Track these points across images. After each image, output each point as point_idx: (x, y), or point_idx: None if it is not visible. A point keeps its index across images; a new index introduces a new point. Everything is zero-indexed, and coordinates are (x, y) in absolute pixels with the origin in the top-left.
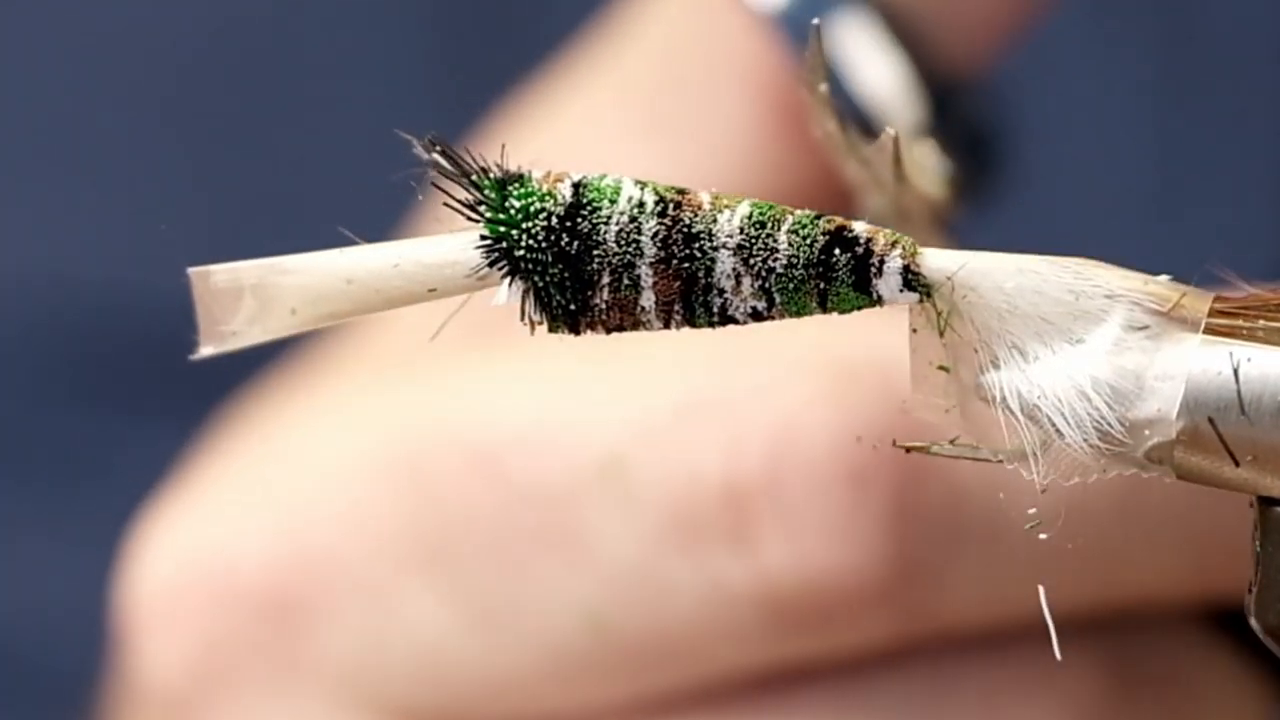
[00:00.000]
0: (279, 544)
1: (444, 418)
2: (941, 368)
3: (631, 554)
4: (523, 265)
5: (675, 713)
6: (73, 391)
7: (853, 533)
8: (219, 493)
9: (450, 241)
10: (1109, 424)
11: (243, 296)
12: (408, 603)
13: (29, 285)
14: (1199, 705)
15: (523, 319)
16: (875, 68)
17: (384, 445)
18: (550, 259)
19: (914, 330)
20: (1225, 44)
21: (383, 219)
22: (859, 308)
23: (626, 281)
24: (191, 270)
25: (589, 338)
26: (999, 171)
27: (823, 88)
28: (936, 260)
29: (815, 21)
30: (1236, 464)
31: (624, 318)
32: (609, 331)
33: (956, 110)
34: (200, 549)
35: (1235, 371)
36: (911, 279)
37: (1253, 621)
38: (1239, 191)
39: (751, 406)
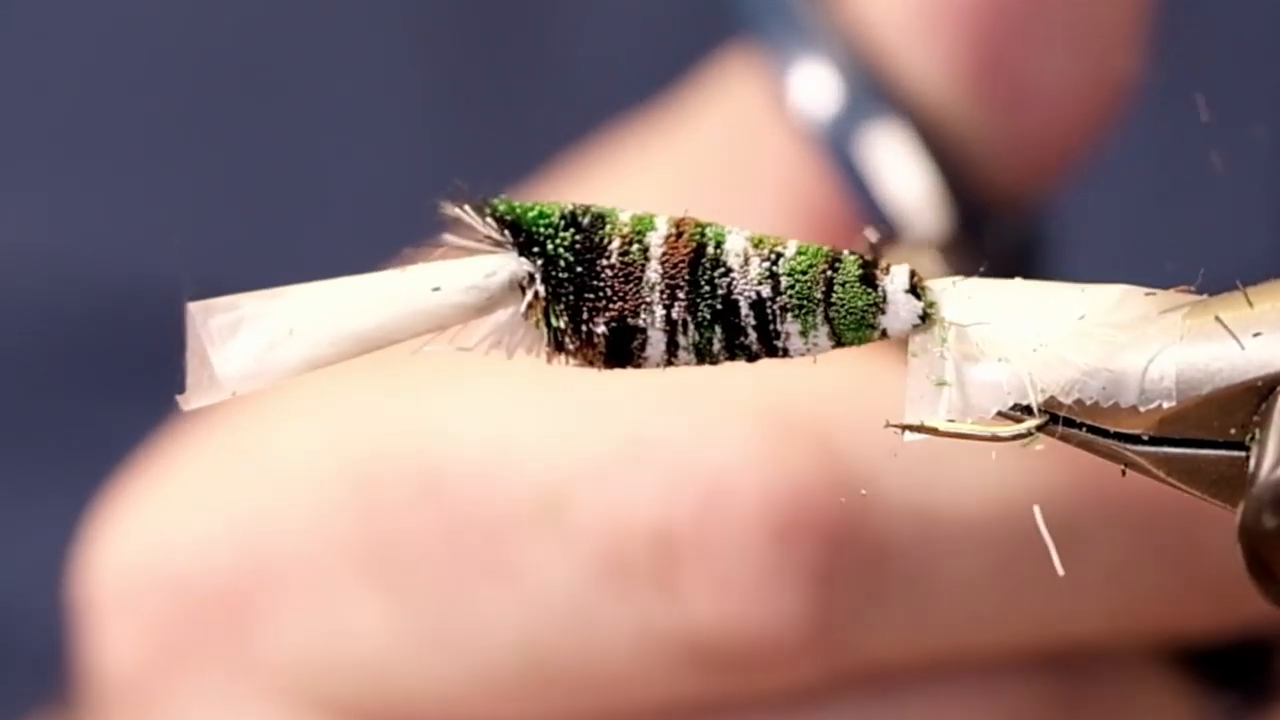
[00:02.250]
0: (231, 543)
1: (397, 433)
2: (942, 383)
3: (565, 589)
4: (551, 268)
5: None
6: (74, 379)
7: (777, 588)
8: (174, 488)
9: (461, 265)
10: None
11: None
12: (353, 609)
13: (25, 273)
14: None
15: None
16: (903, 177)
17: (338, 453)
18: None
19: (913, 355)
20: (1226, 44)
21: (384, 213)
22: (864, 310)
23: (637, 247)
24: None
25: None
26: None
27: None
28: (938, 283)
29: (870, 231)
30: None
31: (626, 290)
32: (606, 321)
33: (991, 231)
34: (154, 545)
35: None
36: (915, 286)
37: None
38: (1239, 192)
39: (688, 453)
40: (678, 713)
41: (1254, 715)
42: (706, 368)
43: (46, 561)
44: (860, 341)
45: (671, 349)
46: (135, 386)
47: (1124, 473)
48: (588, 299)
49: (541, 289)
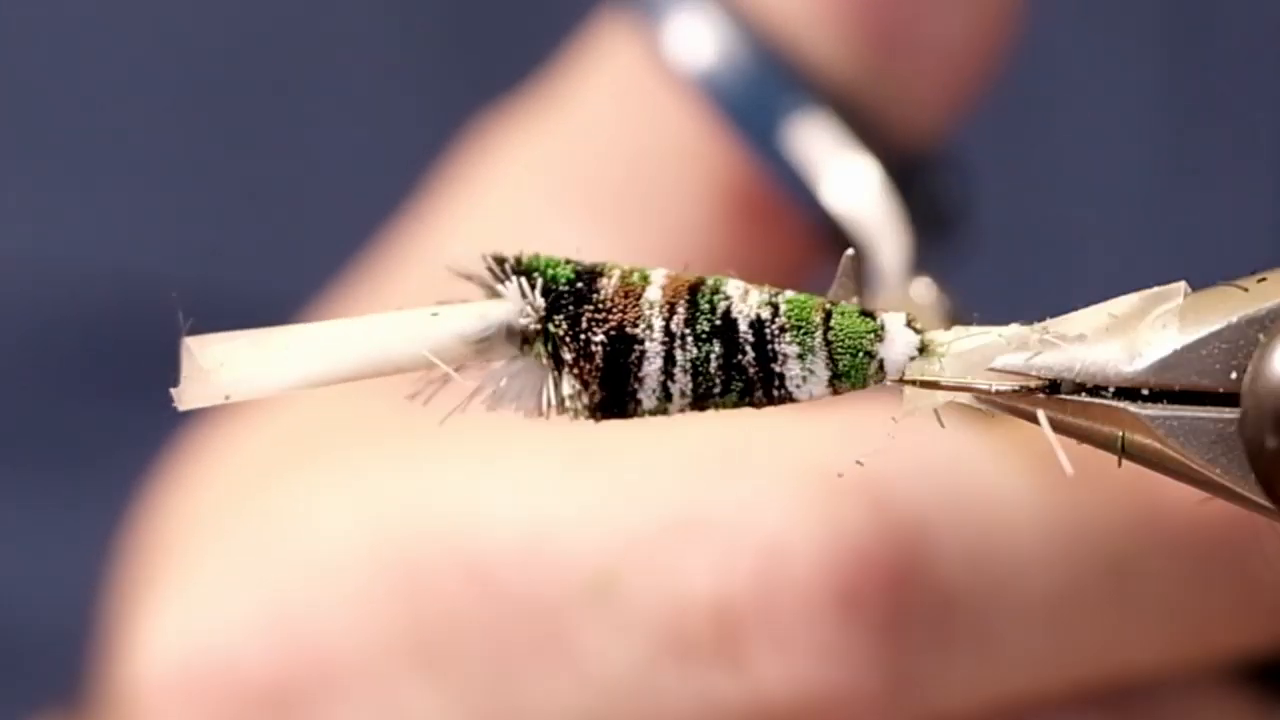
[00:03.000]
0: (282, 638)
1: (434, 517)
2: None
3: (623, 669)
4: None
5: None
6: (66, 377)
7: (843, 651)
8: (212, 576)
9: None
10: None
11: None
12: (407, 701)
13: (23, 271)
14: None
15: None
16: (842, 168)
17: (376, 539)
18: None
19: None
20: (1232, 49)
21: (384, 211)
22: (862, 335)
23: (638, 275)
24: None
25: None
26: (966, 236)
27: (854, 301)
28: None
29: (850, 251)
30: None
31: (626, 303)
32: (605, 330)
33: (922, 186)
34: (205, 639)
35: None
36: (911, 323)
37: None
38: (1245, 195)
39: (738, 520)
40: None
41: None
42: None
43: (47, 566)
44: (858, 372)
45: (669, 366)
46: (139, 390)
47: (1120, 463)
48: (586, 309)
49: (541, 300)
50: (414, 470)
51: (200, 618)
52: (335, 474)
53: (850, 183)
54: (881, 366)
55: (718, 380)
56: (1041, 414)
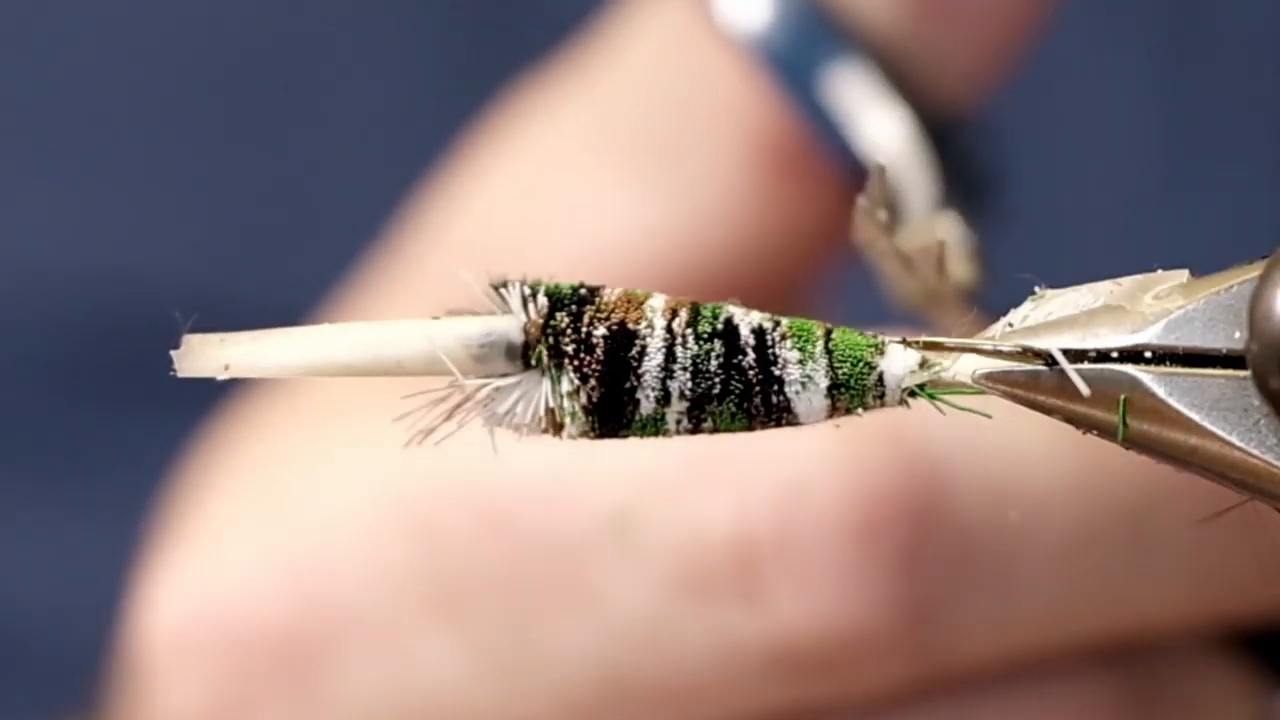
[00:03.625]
0: (293, 590)
1: (454, 466)
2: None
3: (642, 607)
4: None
5: None
6: (76, 382)
7: (863, 586)
8: (224, 531)
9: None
10: None
11: (230, 363)
12: (422, 651)
13: (31, 276)
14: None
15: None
16: (878, 120)
17: (393, 491)
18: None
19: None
20: (1231, 40)
21: (387, 211)
22: (864, 348)
23: (640, 288)
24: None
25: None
26: (999, 203)
27: (882, 214)
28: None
29: (879, 162)
30: None
31: (628, 305)
32: (607, 325)
33: (955, 148)
34: (214, 592)
35: None
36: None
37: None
38: (1244, 186)
39: (758, 457)
40: None
41: None
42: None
43: (53, 571)
44: (857, 381)
45: (669, 363)
46: (144, 393)
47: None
48: (588, 309)
49: (544, 301)
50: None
51: (212, 572)
52: (347, 430)
53: (884, 131)
54: (881, 380)
55: (717, 380)
56: (1057, 352)
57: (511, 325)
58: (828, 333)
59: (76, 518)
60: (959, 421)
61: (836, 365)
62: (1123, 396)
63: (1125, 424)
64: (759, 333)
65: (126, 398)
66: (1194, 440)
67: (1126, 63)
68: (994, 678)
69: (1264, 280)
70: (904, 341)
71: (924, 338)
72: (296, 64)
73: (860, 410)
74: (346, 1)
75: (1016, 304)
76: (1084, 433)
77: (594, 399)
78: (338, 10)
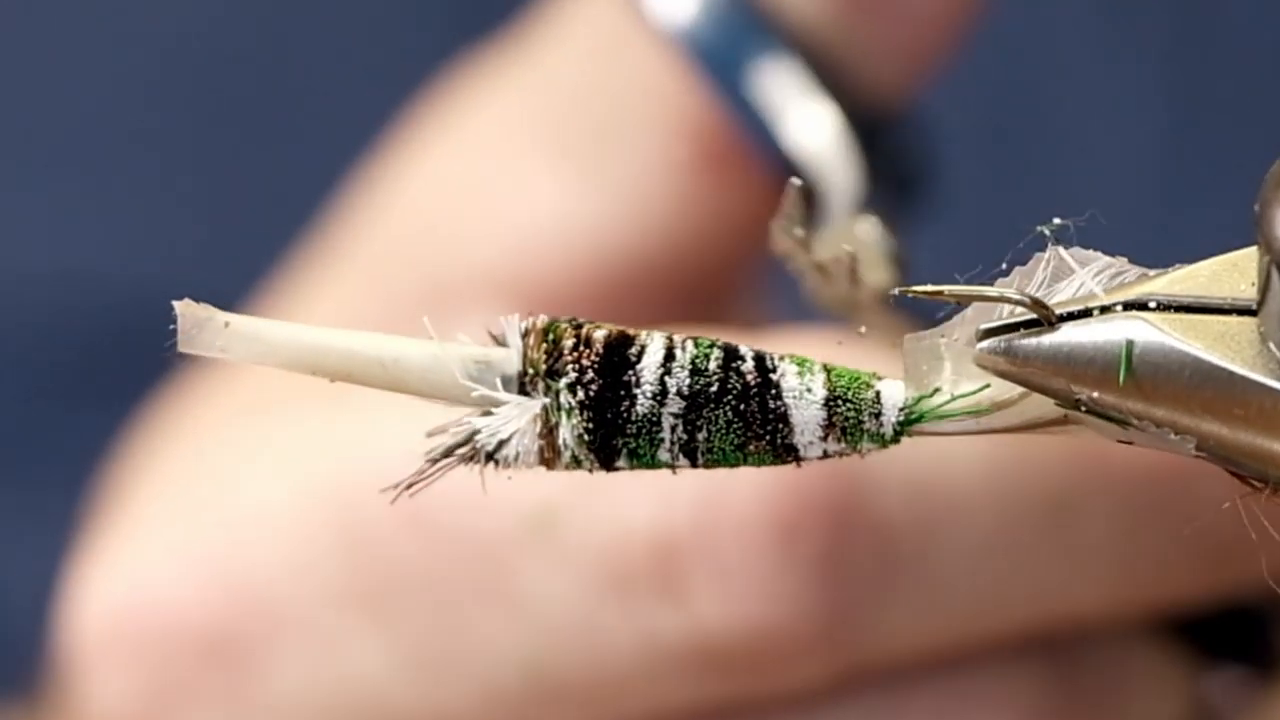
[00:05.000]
0: (219, 585)
1: (378, 463)
2: (937, 357)
3: (564, 604)
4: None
5: None
6: (68, 385)
7: (782, 586)
8: (155, 525)
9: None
10: None
11: (223, 343)
12: (348, 644)
13: (29, 281)
14: (1144, 708)
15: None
16: (805, 116)
17: (318, 486)
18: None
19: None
20: (1236, 43)
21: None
22: (863, 374)
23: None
24: (180, 306)
25: None
26: (924, 199)
27: (797, 230)
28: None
29: (795, 181)
30: None
31: (629, 324)
32: (609, 332)
33: (884, 145)
34: (140, 587)
35: None
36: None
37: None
38: (1249, 189)
39: None
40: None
41: (1253, 687)
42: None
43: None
44: (856, 394)
45: (668, 361)
46: (110, 391)
47: (1122, 378)
48: (588, 323)
49: (544, 318)
50: (351, 418)
51: (140, 567)
52: (275, 426)
53: (810, 127)
54: (878, 398)
55: (715, 380)
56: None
57: (509, 355)
58: (828, 365)
59: (26, 515)
60: None
61: (834, 380)
62: (1126, 340)
63: (1129, 366)
64: (759, 356)
65: (117, 400)
66: (1194, 378)
67: (1131, 66)
68: (922, 670)
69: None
70: (903, 292)
71: (923, 287)
72: (299, 70)
73: (858, 434)
74: (351, 9)
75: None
76: (1083, 400)
77: (590, 394)
78: (342, 17)
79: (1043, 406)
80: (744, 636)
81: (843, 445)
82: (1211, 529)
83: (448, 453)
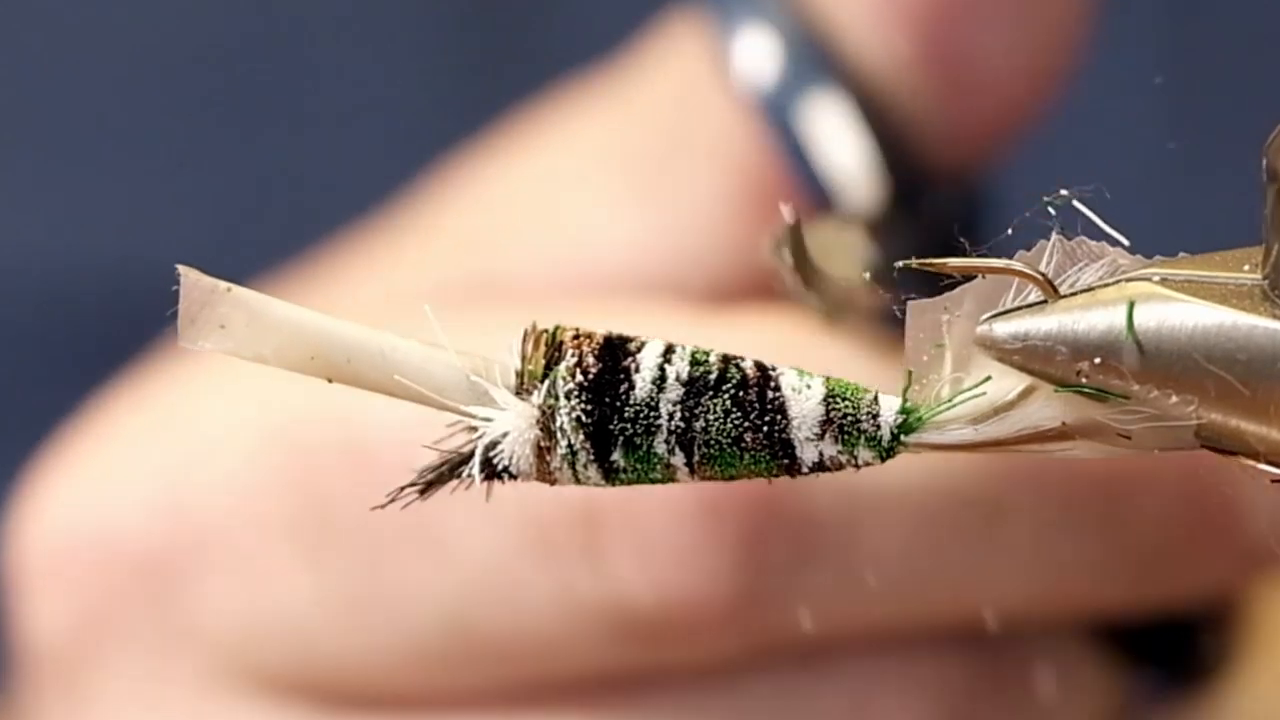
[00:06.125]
0: (158, 510)
1: (321, 401)
2: (939, 345)
3: (489, 557)
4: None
5: (526, 704)
6: (66, 372)
7: (703, 561)
8: (102, 456)
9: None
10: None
11: (225, 312)
12: (280, 576)
13: (24, 268)
14: (1064, 705)
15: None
16: (841, 149)
17: (263, 419)
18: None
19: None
20: (1235, 38)
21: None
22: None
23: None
24: (183, 271)
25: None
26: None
27: (786, 257)
28: None
29: (790, 216)
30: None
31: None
32: (609, 332)
33: (928, 205)
34: (83, 512)
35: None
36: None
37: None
38: (1248, 186)
39: None
40: (604, 683)
41: (1180, 693)
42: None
43: None
44: (854, 395)
45: (668, 353)
46: (87, 371)
47: (1127, 333)
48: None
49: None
50: None
51: (84, 493)
52: (224, 369)
53: (863, 182)
54: (876, 399)
55: (715, 369)
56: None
57: (508, 362)
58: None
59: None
60: None
61: (833, 383)
62: (1129, 300)
63: (1131, 324)
64: (758, 361)
65: (67, 377)
66: (1197, 329)
67: (1129, 61)
68: (839, 650)
69: None
70: (904, 265)
71: (921, 260)
72: (298, 63)
73: (855, 435)
74: (355, 7)
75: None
76: (1085, 372)
77: (589, 376)
78: (339, 11)
79: (1041, 412)
80: (659, 604)
81: (839, 448)
82: (1143, 539)
83: (441, 466)
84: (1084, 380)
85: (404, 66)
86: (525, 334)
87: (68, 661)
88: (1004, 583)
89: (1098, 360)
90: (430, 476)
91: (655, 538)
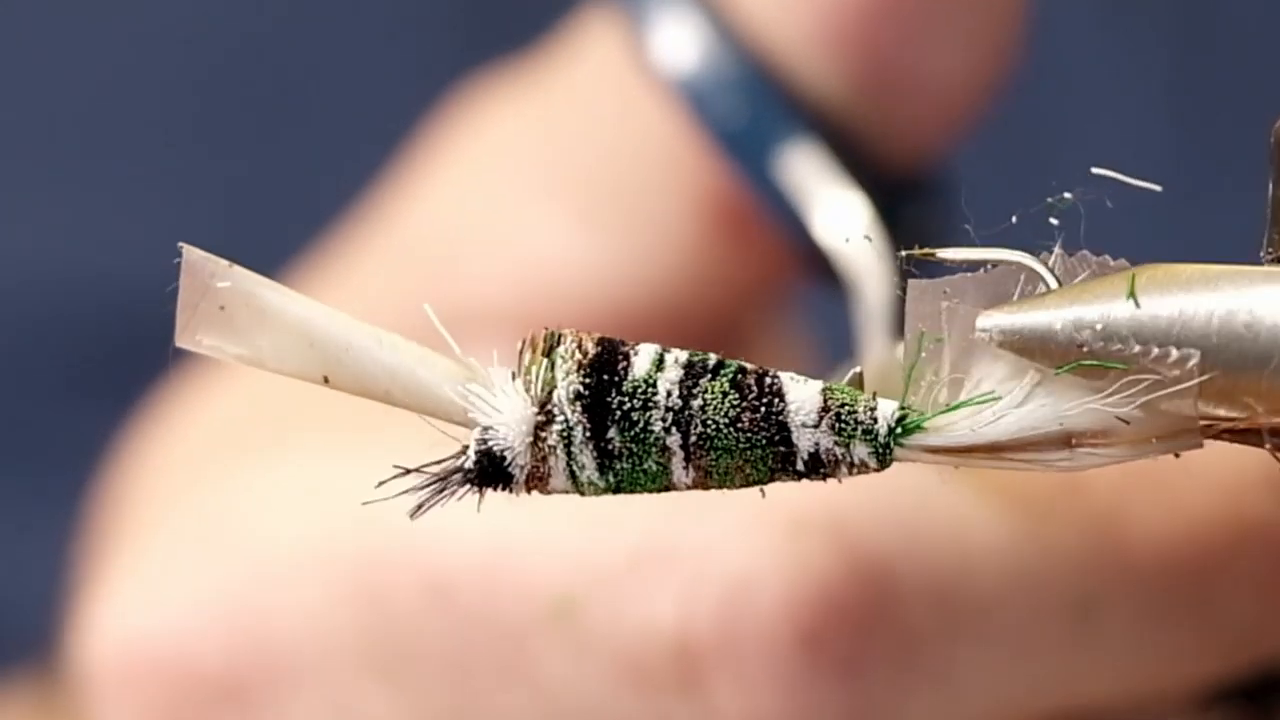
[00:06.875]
0: (234, 627)
1: (397, 532)
2: (938, 339)
3: (581, 694)
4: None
5: None
6: (69, 385)
7: (802, 690)
8: (170, 558)
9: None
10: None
11: (227, 292)
12: (361, 705)
13: (30, 279)
14: None
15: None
16: (829, 202)
17: (340, 542)
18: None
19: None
20: (1241, 43)
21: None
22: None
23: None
24: (186, 249)
25: None
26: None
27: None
28: None
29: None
30: None
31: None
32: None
33: (904, 215)
34: (155, 624)
35: None
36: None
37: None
38: (1254, 190)
39: (706, 557)
40: None
41: None
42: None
43: (14, 555)
44: (852, 394)
45: (662, 356)
46: (107, 388)
47: (1129, 294)
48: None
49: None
50: (375, 469)
51: (151, 601)
52: (295, 461)
53: (836, 212)
54: (875, 397)
55: (713, 357)
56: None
57: (504, 371)
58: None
59: (32, 508)
60: (904, 519)
61: (830, 384)
62: (1133, 272)
63: (1133, 288)
64: (760, 381)
65: (119, 399)
66: (1201, 281)
67: (1134, 66)
68: None
69: None
70: (906, 253)
71: (922, 249)
72: (303, 72)
73: (852, 426)
74: (352, 12)
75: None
76: (1086, 341)
77: (587, 354)
78: (345, 21)
79: (1040, 412)
80: None
81: (836, 438)
82: (1234, 617)
83: (443, 475)
84: (1085, 352)
85: (415, 84)
86: (524, 342)
87: None
88: (1100, 676)
89: (1099, 326)
90: (431, 468)
91: (754, 668)
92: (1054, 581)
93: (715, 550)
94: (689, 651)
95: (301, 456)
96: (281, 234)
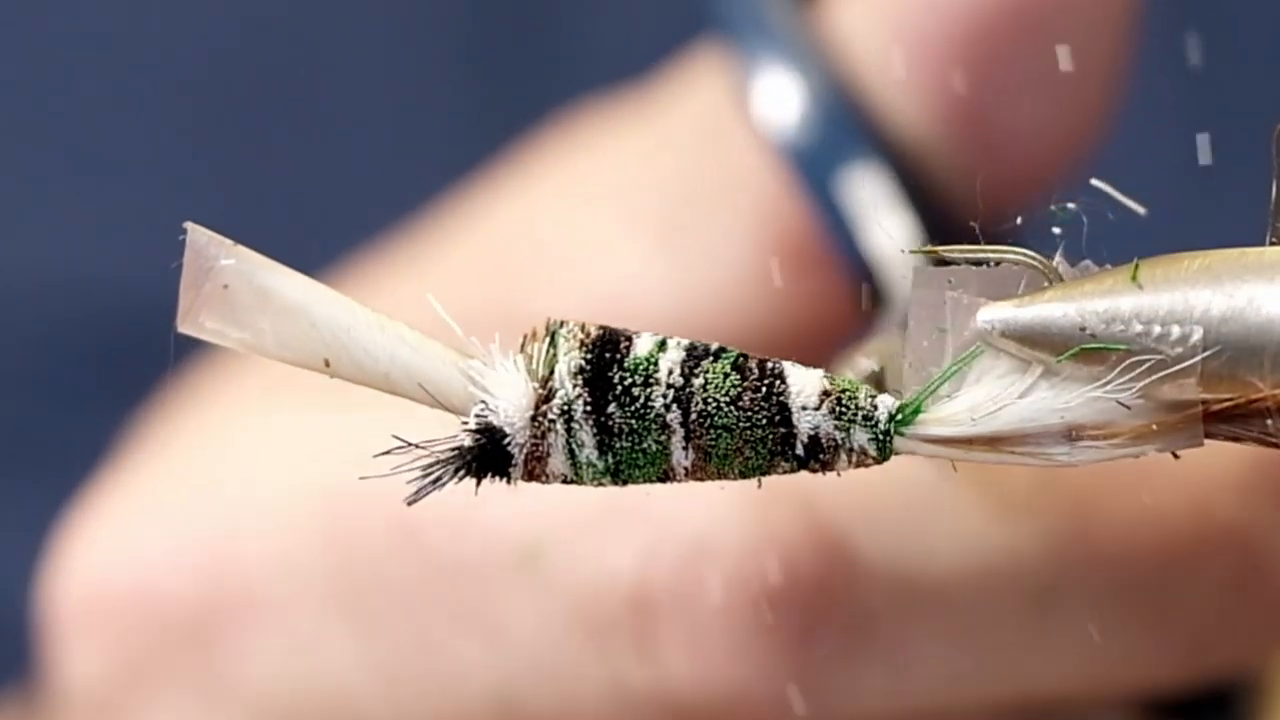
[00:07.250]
0: (202, 563)
1: (365, 471)
2: (941, 330)
3: (540, 640)
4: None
5: None
6: (69, 386)
7: (754, 652)
8: (142, 502)
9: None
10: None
11: (230, 270)
12: (323, 644)
13: (35, 283)
14: None
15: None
16: (885, 228)
17: (311, 484)
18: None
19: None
20: (1255, 53)
21: (397, 226)
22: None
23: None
24: (191, 227)
25: None
26: None
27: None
28: None
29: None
30: None
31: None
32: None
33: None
34: (126, 560)
35: None
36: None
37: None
38: (1263, 189)
39: (669, 513)
40: None
41: None
42: None
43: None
44: (853, 382)
45: (663, 341)
46: (107, 391)
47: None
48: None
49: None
50: (355, 418)
51: (125, 542)
52: (277, 417)
53: (893, 239)
54: (875, 389)
55: (714, 346)
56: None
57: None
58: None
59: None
60: (872, 498)
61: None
62: (1135, 261)
63: (1136, 272)
64: (762, 372)
65: (124, 404)
66: (1202, 265)
67: (1149, 75)
68: None
69: None
70: (911, 250)
71: (926, 248)
72: (308, 76)
73: (853, 411)
74: (360, 15)
75: None
76: (1089, 325)
77: (589, 334)
78: (351, 23)
79: (1039, 404)
80: (709, 697)
81: (836, 422)
82: (1195, 619)
83: (443, 458)
84: (1087, 334)
85: (423, 90)
86: (526, 336)
87: (104, 711)
88: (1056, 668)
89: (1102, 309)
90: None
91: (708, 629)
92: (1017, 573)
93: (683, 509)
94: (645, 604)
95: (281, 407)
96: (284, 236)
